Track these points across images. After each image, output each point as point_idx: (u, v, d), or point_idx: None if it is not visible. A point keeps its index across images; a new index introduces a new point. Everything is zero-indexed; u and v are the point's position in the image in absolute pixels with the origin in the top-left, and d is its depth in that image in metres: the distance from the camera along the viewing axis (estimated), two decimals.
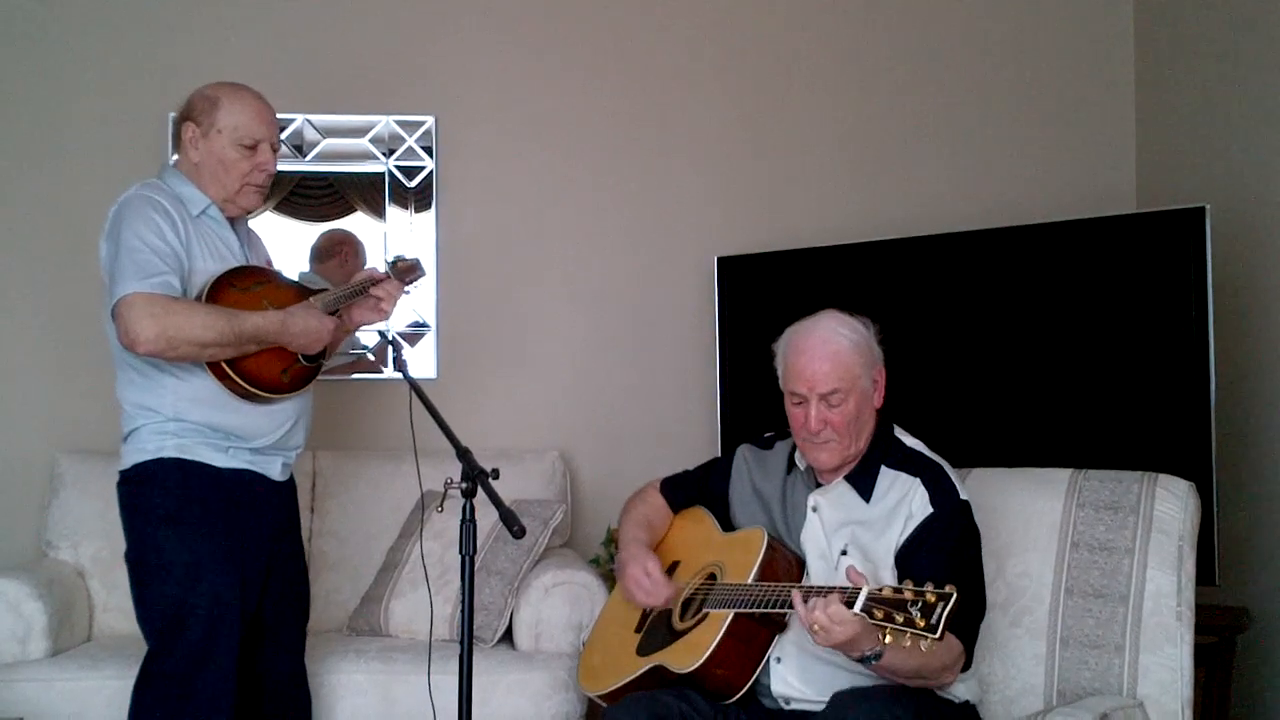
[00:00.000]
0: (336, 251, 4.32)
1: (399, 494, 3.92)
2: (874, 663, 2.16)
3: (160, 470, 2.78)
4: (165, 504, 2.77)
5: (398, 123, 4.36)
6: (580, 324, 4.45)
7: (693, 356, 4.42)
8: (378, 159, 4.35)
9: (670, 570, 2.70)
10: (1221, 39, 3.99)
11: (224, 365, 2.73)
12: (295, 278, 3.15)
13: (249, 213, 3.01)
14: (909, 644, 2.01)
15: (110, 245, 2.78)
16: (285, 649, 3.04)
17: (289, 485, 3.03)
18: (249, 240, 3.03)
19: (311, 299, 2.89)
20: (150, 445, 2.79)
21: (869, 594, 2.07)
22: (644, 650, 2.60)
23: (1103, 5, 4.54)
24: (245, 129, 2.86)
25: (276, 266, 3.16)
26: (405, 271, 3.11)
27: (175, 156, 2.97)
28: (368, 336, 4.29)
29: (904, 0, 4.54)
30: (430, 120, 4.37)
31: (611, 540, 4.12)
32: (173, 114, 4.15)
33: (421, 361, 4.35)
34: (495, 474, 2.49)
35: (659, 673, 2.51)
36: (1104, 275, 3.62)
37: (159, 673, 2.78)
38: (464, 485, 2.48)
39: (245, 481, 2.85)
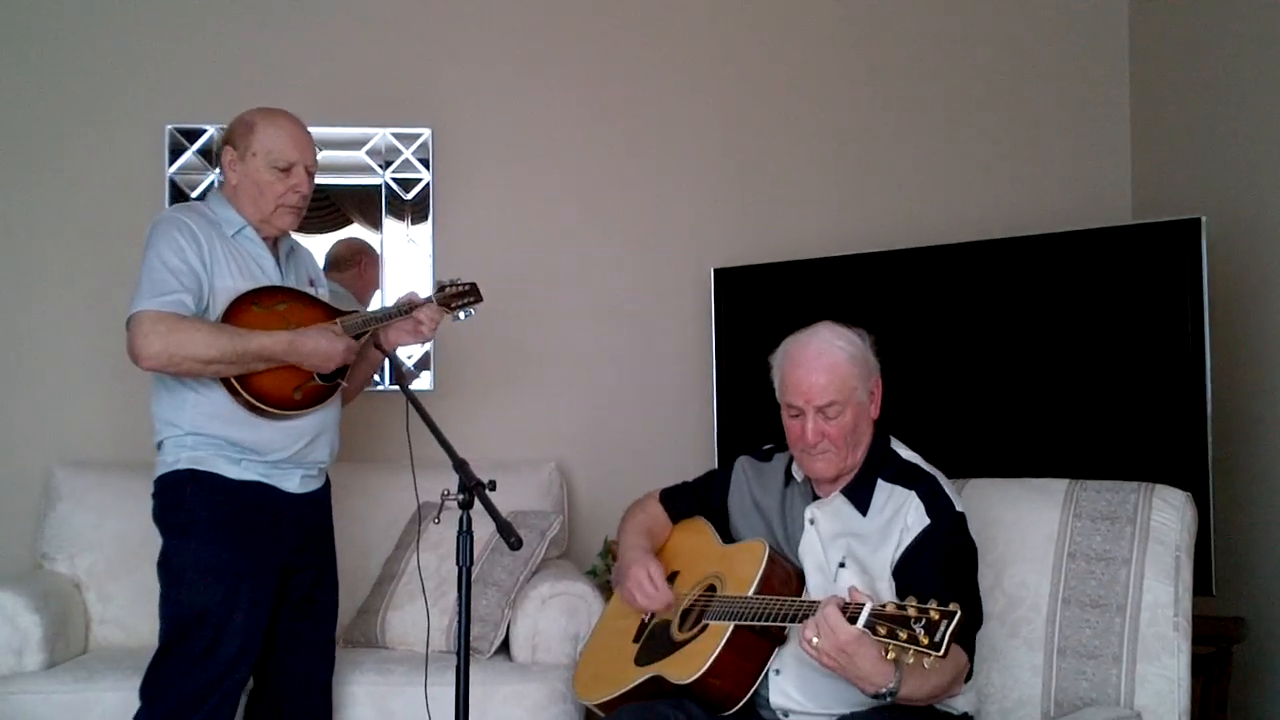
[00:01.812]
0: (355, 261, 4.32)
1: (396, 505, 3.91)
2: (891, 700, 2.16)
3: (177, 482, 2.89)
4: (178, 514, 2.89)
5: (394, 135, 4.36)
6: (577, 335, 4.45)
7: (689, 368, 4.42)
8: (374, 171, 4.36)
9: (670, 580, 2.70)
10: (1217, 50, 4.00)
11: (233, 381, 2.82)
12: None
13: (284, 233, 3.07)
14: (911, 660, 2.00)
15: (142, 263, 2.87)
16: (307, 655, 3.10)
17: (315, 496, 3.09)
18: (291, 257, 3.09)
19: (337, 320, 2.95)
20: (170, 458, 2.92)
21: (872, 610, 2.06)
22: (642, 660, 2.60)
23: (1097, 16, 4.55)
24: (279, 152, 2.94)
25: (320, 280, 3.23)
26: (453, 297, 3.16)
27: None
28: None
29: (898, 12, 4.55)
30: (427, 133, 4.37)
31: (608, 551, 4.11)
32: (169, 126, 4.22)
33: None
34: (492, 485, 2.51)
35: (657, 683, 2.51)
36: (1100, 286, 3.63)
37: (164, 674, 2.86)
38: (461, 496, 2.49)
39: (258, 492, 2.92)
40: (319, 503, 3.12)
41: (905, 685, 2.14)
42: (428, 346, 4.33)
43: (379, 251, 4.35)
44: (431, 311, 3.09)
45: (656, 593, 2.63)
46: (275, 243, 3.04)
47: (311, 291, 3.07)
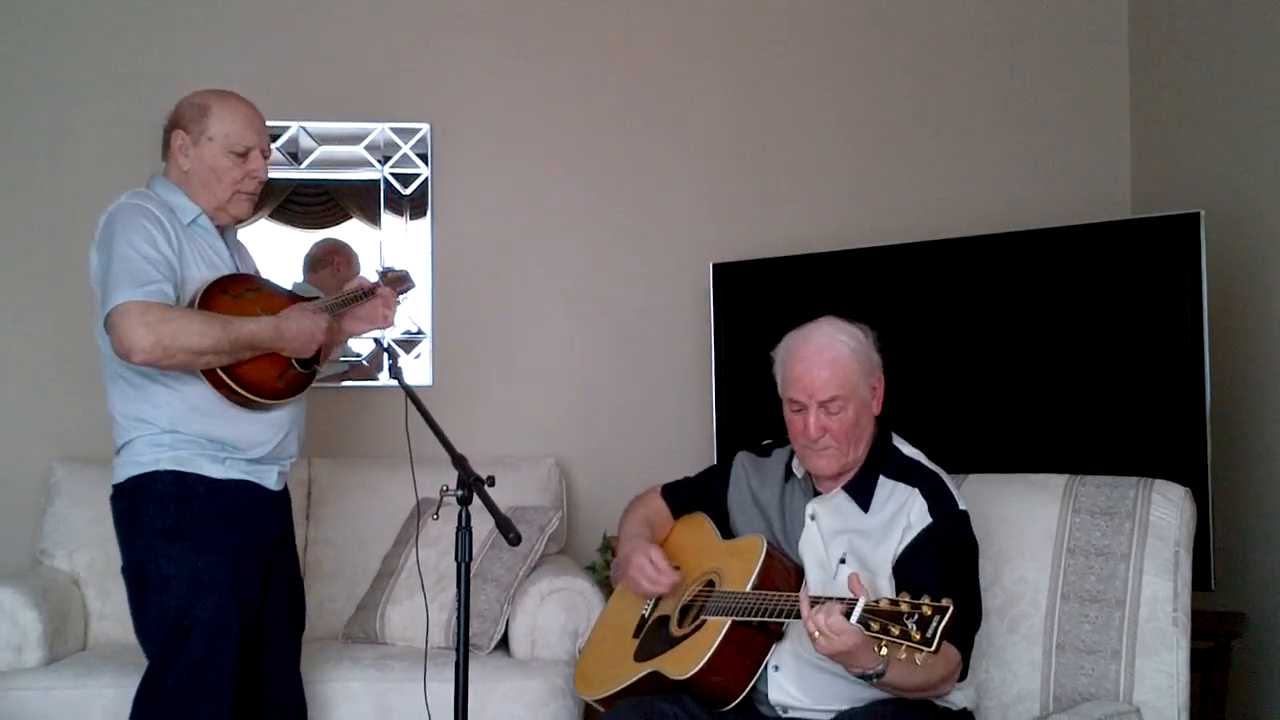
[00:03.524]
0: (329, 260, 4.32)
1: (395, 501, 3.90)
2: (876, 681, 2.16)
3: (157, 483, 2.75)
4: (163, 517, 2.75)
5: (393, 130, 4.36)
6: (576, 331, 4.45)
7: (689, 363, 4.42)
8: (373, 166, 4.35)
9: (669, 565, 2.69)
10: (1216, 44, 4.00)
11: (219, 372, 2.72)
12: (289, 287, 3.15)
13: (239, 221, 3.01)
14: (904, 656, 2.01)
15: (102, 255, 2.76)
16: (282, 656, 3.03)
17: (284, 494, 3.02)
18: (237, 249, 3.02)
19: (308, 303, 2.90)
20: (146, 458, 2.76)
21: (865, 605, 2.06)
22: (641, 656, 2.60)
23: (1097, 12, 4.55)
24: (236, 136, 2.85)
25: (269, 276, 3.15)
26: (395, 282, 3.13)
27: (164, 164, 2.97)
28: (363, 344, 4.29)
29: (899, 7, 4.55)
30: (425, 127, 4.37)
31: (608, 547, 4.12)
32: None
33: (417, 369, 4.35)
34: (491, 481, 2.49)
35: (656, 679, 2.51)
36: (1099, 281, 3.63)
37: (160, 685, 2.77)
38: (460, 492, 2.48)
39: (242, 492, 2.83)
40: (287, 500, 3.05)
41: (892, 670, 2.14)
42: (425, 340, 4.33)
43: (378, 248, 4.35)
44: (390, 295, 3.03)
45: (660, 575, 2.60)
46: (223, 232, 2.95)
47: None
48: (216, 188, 2.86)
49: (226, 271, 2.86)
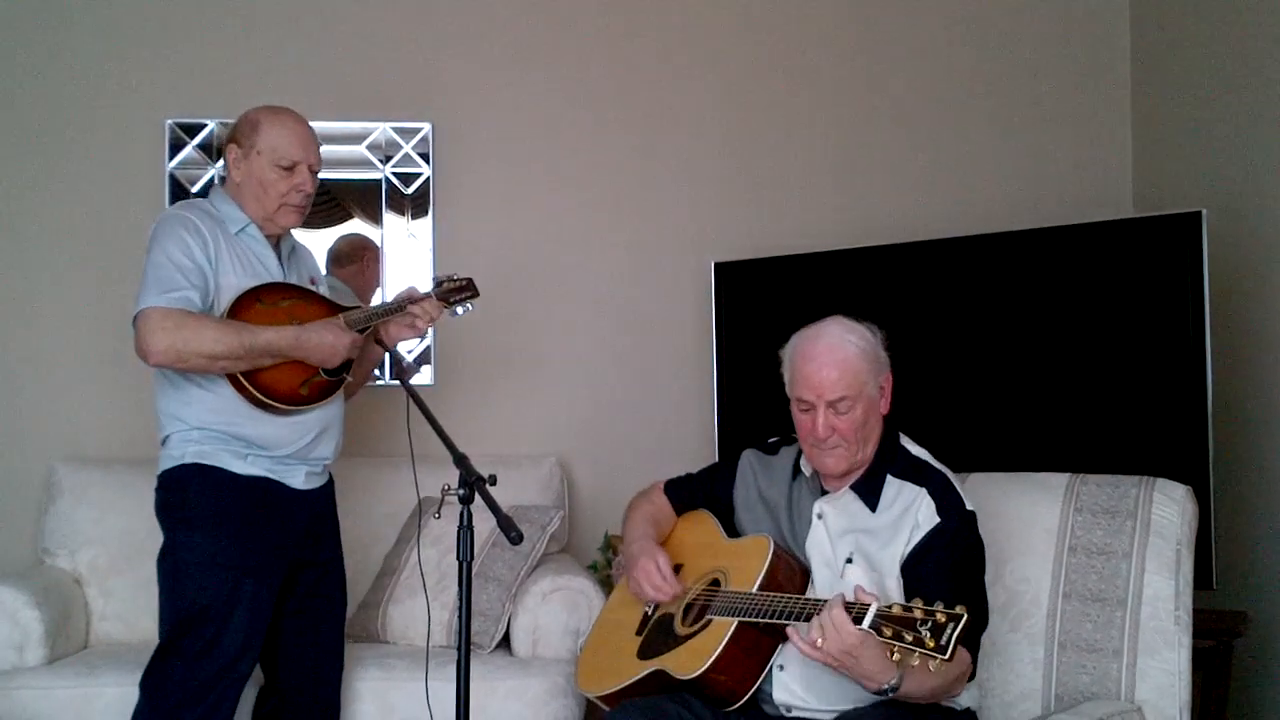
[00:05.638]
0: (357, 257, 4.32)
1: (396, 500, 3.91)
2: (892, 694, 2.15)
3: (183, 475, 2.90)
4: (185, 507, 2.90)
5: (395, 129, 4.36)
6: (578, 330, 4.45)
7: (690, 362, 4.42)
8: (375, 166, 4.35)
9: (673, 572, 2.69)
10: (1217, 43, 4.00)
11: (239, 377, 2.83)
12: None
13: (287, 231, 3.08)
14: (917, 663, 1.99)
15: (146, 260, 2.88)
16: (315, 652, 3.12)
17: (320, 492, 3.10)
18: (292, 256, 3.10)
19: (340, 315, 2.96)
20: (176, 452, 2.91)
21: (878, 610, 2.04)
22: (645, 654, 2.59)
23: (1098, 10, 4.55)
24: (283, 150, 2.95)
25: (320, 278, 3.23)
26: (451, 292, 3.17)
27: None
28: None
29: (898, 6, 4.55)
30: (427, 127, 4.37)
31: (609, 546, 4.12)
32: (169, 121, 4.22)
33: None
34: (493, 480, 2.51)
35: (660, 677, 2.50)
36: (1101, 280, 3.63)
37: (166, 669, 2.88)
38: (461, 491, 2.49)
39: (264, 488, 2.93)
40: (323, 499, 3.12)
41: (907, 682, 2.13)
42: (428, 341, 4.33)
43: (379, 247, 4.35)
44: (430, 306, 3.10)
45: (665, 584, 2.61)
46: (277, 241, 3.05)
47: (313, 289, 3.08)
48: (264, 199, 2.97)
49: (269, 279, 2.96)
